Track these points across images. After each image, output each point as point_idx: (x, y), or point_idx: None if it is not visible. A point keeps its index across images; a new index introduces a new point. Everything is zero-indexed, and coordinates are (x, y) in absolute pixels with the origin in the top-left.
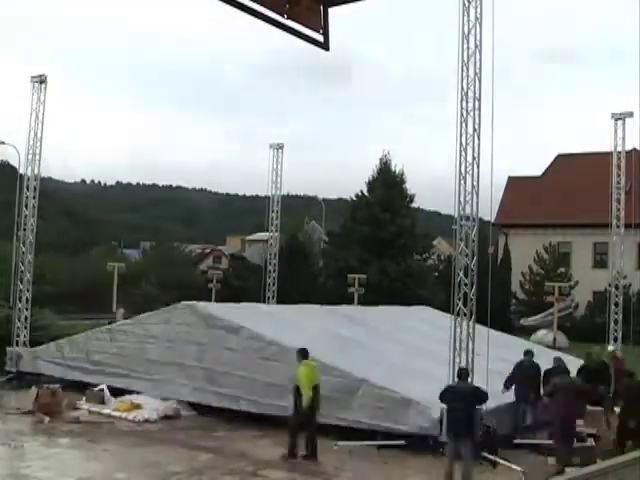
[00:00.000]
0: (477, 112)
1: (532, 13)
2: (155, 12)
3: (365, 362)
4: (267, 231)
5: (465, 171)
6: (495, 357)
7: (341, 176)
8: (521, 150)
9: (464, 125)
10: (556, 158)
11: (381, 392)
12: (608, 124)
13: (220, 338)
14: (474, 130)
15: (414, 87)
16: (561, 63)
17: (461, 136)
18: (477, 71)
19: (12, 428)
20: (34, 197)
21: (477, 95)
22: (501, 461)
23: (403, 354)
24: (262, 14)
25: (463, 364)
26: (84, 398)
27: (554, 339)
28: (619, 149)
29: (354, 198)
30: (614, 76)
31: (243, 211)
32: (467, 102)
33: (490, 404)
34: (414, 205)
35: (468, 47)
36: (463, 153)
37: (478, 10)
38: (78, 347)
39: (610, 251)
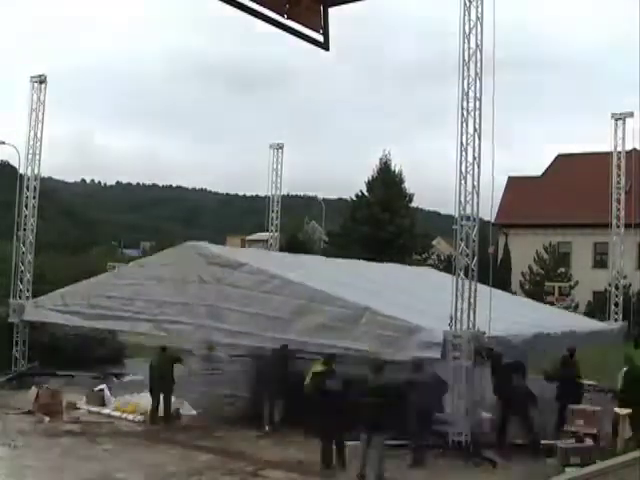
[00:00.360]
0: (478, 112)
1: (532, 13)
2: (155, 14)
3: (367, 297)
4: (267, 231)
5: (465, 171)
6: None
7: (341, 176)
8: (521, 150)
9: (464, 125)
10: (556, 158)
11: (385, 319)
12: (608, 124)
13: (222, 274)
14: (474, 130)
15: (414, 87)
16: (561, 63)
17: (461, 136)
18: (478, 71)
19: (12, 428)
20: (34, 197)
21: (478, 95)
22: (497, 460)
23: (404, 297)
24: (262, 14)
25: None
26: (84, 398)
27: None
28: (619, 149)
29: (354, 198)
30: (614, 76)
31: (243, 211)
32: (468, 102)
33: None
34: (413, 205)
35: (469, 47)
36: (463, 153)
37: (479, 10)
38: (80, 294)
39: (610, 251)
